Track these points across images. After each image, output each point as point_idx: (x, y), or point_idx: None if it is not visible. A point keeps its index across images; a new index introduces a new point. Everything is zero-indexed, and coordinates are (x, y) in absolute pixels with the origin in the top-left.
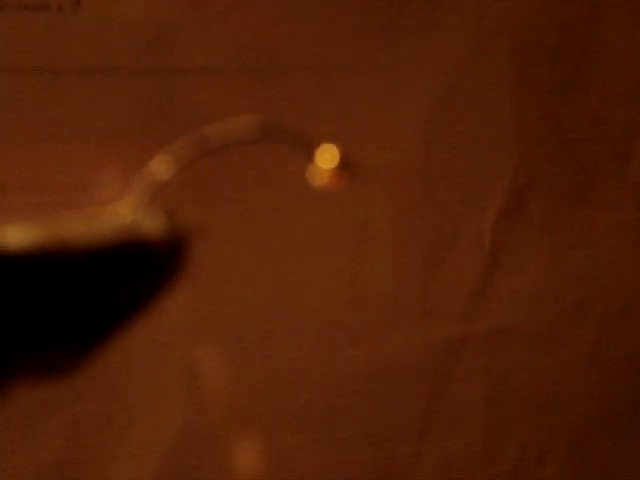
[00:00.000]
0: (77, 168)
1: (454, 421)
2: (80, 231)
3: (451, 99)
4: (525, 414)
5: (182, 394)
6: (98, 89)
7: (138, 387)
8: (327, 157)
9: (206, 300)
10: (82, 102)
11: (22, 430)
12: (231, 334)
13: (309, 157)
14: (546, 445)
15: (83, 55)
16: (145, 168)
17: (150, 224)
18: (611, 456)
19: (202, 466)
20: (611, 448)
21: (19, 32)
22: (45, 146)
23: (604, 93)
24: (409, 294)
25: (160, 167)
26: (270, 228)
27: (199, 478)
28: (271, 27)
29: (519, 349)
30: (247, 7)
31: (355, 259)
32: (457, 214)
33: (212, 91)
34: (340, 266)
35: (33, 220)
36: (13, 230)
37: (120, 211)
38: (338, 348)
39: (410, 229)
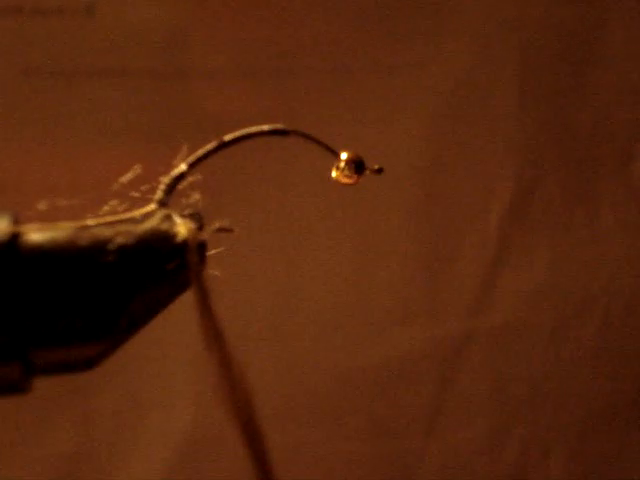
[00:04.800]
0: (93, 169)
1: (460, 416)
2: (107, 231)
3: (458, 101)
4: (529, 410)
5: (192, 390)
6: (113, 91)
7: (149, 383)
8: (339, 156)
9: (215, 296)
10: (97, 104)
11: (35, 424)
12: (241, 329)
13: (329, 157)
14: (550, 440)
15: (98, 58)
16: (167, 171)
17: (173, 226)
18: (614, 451)
19: (213, 460)
20: (615, 443)
21: (35, 36)
22: (61, 148)
23: (608, 95)
24: (416, 291)
25: (181, 169)
26: (278, 227)
27: (210, 472)
28: (283, 30)
29: (523, 346)
30: (259, 11)
31: (363, 257)
32: (463, 213)
33: (225, 93)
34: (349, 263)
35: (51, 221)
36: (33, 229)
37: (142, 214)
38: (346, 344)
39: (417, 228)
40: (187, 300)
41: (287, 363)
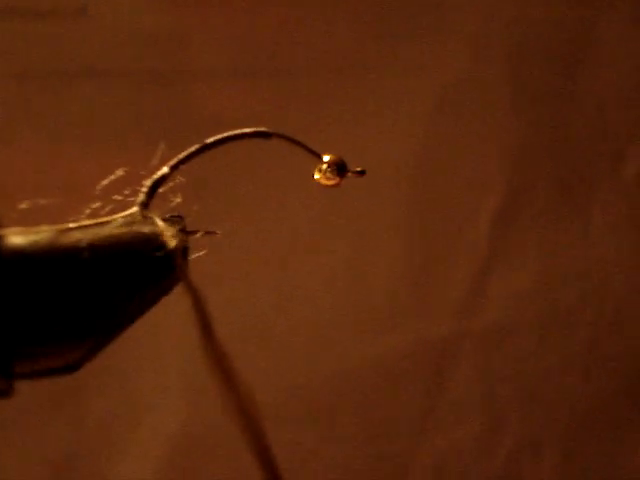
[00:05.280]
0: (85, 170)
1: (452, 416)
2: (89, 233)
3: (451, 103)
4: (521, 409)
5: (185, 390)
6: (106, 92)
7: (143, 384)
8: (328, 159)
9: (207, 298)
10: (90, 105)
11: (31, 425)
12: (232, 332)
13: (314, 159)
14: (542, 439)
15: (90, 59)
16: (153, 171)
17: (159, 227)
18: (607, 451)
19: (206, 459)
20: (606, 443)
21: (28, 38)
22: (54, 149)
23: (600, 97)
24: (408, 292)
25: (163, 172)
26: (270, 227)
27: (203, 471)
28: (282, 31)
29: (515, 347)
30: (255, 13)
31: (355, 259)
32: (454, 216)
33: (224, 93)
34: (340, 266)
35: (39, 223)
36: (19, 232)
37: (129, 214)
38: (338, 346)
39: (409, 230)
40: (179, 303)
41: (278, 365)
